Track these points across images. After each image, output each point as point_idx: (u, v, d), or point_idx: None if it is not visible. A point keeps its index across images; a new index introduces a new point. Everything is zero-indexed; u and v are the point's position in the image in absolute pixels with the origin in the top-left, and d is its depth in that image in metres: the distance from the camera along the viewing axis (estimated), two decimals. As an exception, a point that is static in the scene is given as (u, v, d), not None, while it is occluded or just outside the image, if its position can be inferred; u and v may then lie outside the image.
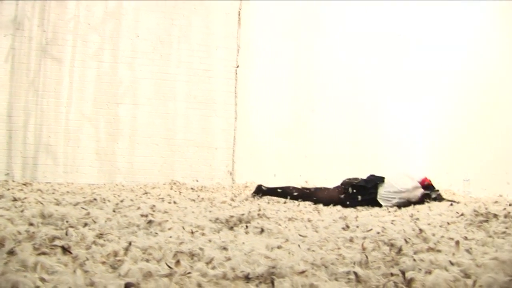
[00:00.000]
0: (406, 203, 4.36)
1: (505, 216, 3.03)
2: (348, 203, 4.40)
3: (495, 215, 3.05)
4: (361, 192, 4.54)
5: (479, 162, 6.35)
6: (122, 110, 7.44)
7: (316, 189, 4.90)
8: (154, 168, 7.41)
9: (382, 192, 4.51)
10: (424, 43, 7.73)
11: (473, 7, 6.88)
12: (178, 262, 1.59)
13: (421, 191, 4.54)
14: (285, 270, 1.56)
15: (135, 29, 7.54)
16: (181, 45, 7.63)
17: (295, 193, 4.66)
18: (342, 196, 4.55)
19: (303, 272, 1.57)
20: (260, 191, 4.89)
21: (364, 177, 4.86)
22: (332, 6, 7.90)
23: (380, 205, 4.37)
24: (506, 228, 2.80)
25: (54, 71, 7.32)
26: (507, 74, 6.17)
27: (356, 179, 4.84)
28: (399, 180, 4.61)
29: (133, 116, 7.45)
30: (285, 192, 4.73)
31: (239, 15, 7.80)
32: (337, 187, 4.77)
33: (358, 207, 4.26)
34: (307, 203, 4.39)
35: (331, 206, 4.24)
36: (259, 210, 3.25)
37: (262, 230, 2.53)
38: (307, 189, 4.92)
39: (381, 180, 4.65)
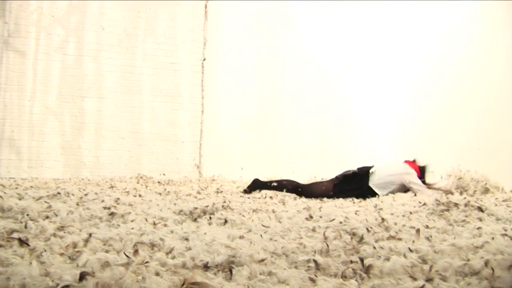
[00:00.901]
0: (401, 189, 4.34)
1: (465, 205, 3.10)
2: (338, 193, 4.37)
3: (456, 204, 3.11)
4: (353, 181, 4.51)
5: (444, 155, 6.48)
6: (87, 103, 7.33)
7: (311, 183, 4.87)
8: (120, 162, 7.33)
9: (376, 180, 4.48)
10: (392, 39, 7.81)
11: (443, 7, 7.00)
12: (136, 251, 1.58)
13: (414, 174, 4.50)
14: (244, 259, 1.56)
15: (100, 21, 7.43)
16: (147, 38, 7.56)
17: (290, 187, 4.62)
18: (333, 187, 4.51)
19: (262, 260, 1.57)
20: (256, 185, 4.79)
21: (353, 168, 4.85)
22: (300, 2, 7.92)
23: (374, 194, 4.33)
24: (466, 216, 2.87)
25: (17, 64, 7.15)
26: (473, 71, 6.31)
27: (349, 171, 4.81)
28: (390, 167, 4.59)
29: (99, 110, 7.35)
30: (280, 186, 4.67)
31: (205, 8, 7.76)
32: (332, 179, 4.74)
33: (350, 198, 4.23)
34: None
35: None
36: (224, 202, 3.24)
37: (226, 221, 2.53)
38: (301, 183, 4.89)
39: (369, 168, 4.64)
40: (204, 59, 7.63)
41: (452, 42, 6.70)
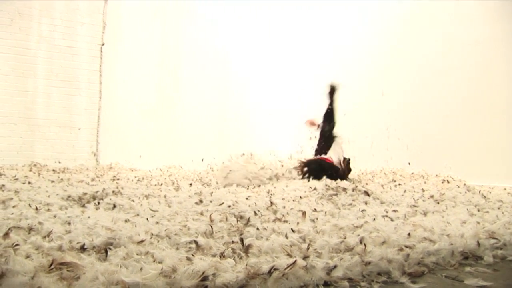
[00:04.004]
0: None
1: (353, 190, 3.26)
2: None
3: (344, 189, 3.27)
4: None
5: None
6: (-26, 86, 6.87)
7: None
8: (12, 149, 6.92)
9: None
10: (287, 35, 8.02)
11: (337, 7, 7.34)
12: (7, 235, 1.51)
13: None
14: (123, 240, 1.56)
15: (-11, -2, 6.96)
16: (42, 19, 7.16)
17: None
18: None
19: (141, 241, 1.57)
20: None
21: None
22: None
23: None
24: (353, 200, 3.03)
25: None
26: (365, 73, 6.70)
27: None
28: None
29: (-12, 94, 6.90)
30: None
31: (105, -9, 7.51)
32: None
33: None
34: None
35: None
36: (116, 187, 3.19)
37: (114, 206, 2.50)
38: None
39: None
40: (103, 44, 7.38)
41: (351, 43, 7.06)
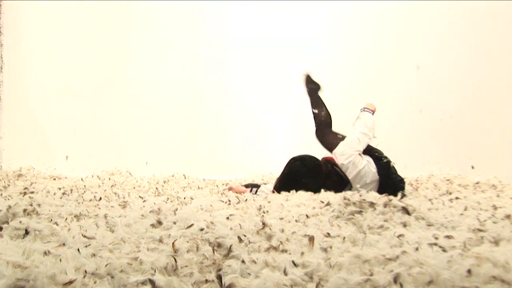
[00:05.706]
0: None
1: (385, 205, 3.24)
2: None
3: (372, 204, 3.25)
4: None
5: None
6: None
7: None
8: None
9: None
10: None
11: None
12: None
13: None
14: (41, 282, 1.56)
15: None
16: None
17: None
18: None
19: (70, 283, 1.57)
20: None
21: None
22: None
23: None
24: (385, 220, 3.01)
25: None
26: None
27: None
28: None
29: None
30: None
31: None
32: None
33: None
34: None
35: None
36: (30, 205, 3.18)
37: (27, 232, 2.50)
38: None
39: None
40: (3, -11, 7.33)
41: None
